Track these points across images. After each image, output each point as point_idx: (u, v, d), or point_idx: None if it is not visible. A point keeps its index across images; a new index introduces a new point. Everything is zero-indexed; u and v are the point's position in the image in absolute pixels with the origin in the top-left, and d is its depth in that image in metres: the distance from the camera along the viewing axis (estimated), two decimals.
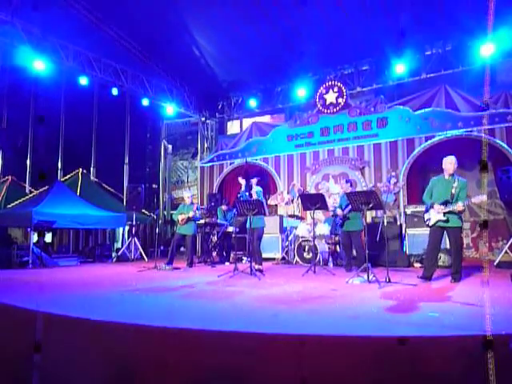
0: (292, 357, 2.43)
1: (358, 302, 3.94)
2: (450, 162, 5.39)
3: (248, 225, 6.65)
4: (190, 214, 8.00)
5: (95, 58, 11.16)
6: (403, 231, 8.44)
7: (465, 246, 9.70)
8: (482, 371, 2.18)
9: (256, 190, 7.08)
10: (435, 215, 5.29)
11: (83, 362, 2.86)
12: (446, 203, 5.22)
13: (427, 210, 5.51)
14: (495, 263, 7.58)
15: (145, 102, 12.51)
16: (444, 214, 5.22)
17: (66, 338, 3.05)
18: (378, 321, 3.04)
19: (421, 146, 9.73)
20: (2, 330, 3.46)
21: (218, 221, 9.21)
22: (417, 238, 8.10)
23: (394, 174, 9.95)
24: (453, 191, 5.23)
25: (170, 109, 13.18)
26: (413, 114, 9.91)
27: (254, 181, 7.29)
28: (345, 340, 2.54)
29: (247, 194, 7.26)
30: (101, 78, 11.47)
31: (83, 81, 10.97)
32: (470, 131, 9.19)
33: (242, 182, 7.40)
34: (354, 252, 7.09)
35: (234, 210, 7.92)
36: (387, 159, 10.19)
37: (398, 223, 8.83)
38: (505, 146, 8.82)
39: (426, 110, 9.78)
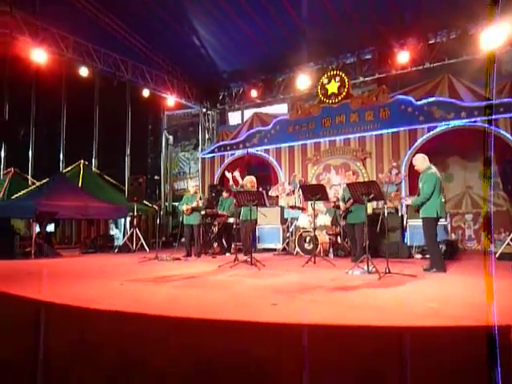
0: (291, 346, 2.42)
1: (357, 292, 3.93)
2: (414, 164, 5.84)
3: (242, 216, 6.70)
4: (194, 204, 8.11)
5: (95, 49, 11.10)
6: (404, 222, 8.41)
7: (467, 237, 9.68)
8: (482, 362, 2.17)
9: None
10: None
11: (85, 352, 2.88)
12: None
13: None
14: (497, 255, 7.55)
15: (145, 92, 12.45)
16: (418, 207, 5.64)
17: (68, 327, 3.06)
18: (376, 311, 3.02)
19: (423, 136, 9.65)
20: (4, 319, 3.48)
21: (219, 211, 9.20)
22: (418, 229, 8.03)
23: (395, 164, 9.88)
24: (420, 185, 5.60)
25: (170, 100, 13.12)
26: (415, 103, 9.80)
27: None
28: (343, 330, 2.53)
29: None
30: (101, 69, 11.42)
31: (83, 72, 10.92)
32: (474, 121, 9.09)
33: (229, 175, 7.44)
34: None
35: (233, 200, 7.92)
36: (389, 150, 10.12)
37: (400, 214, 8.79)
38: (509, 136, 8.73)
39: (429, 99, 9.68)
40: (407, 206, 7.60)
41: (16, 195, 11.18)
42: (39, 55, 9.71)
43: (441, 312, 2.96)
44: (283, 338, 2.48)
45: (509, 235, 8.03)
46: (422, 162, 5.71)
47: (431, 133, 9.56)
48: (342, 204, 7.16)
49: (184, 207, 8.27)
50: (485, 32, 9.32)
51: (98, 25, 10.36)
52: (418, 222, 8.01)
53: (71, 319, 3.12)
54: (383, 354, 2.34)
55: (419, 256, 7.75)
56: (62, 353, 2.97)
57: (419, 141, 9.69)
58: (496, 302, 3.28)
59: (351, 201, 6.79)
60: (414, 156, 9.67)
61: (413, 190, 9.45)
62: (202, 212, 8.63)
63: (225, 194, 9.62)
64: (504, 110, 8.85)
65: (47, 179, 11.31)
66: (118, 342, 2.79)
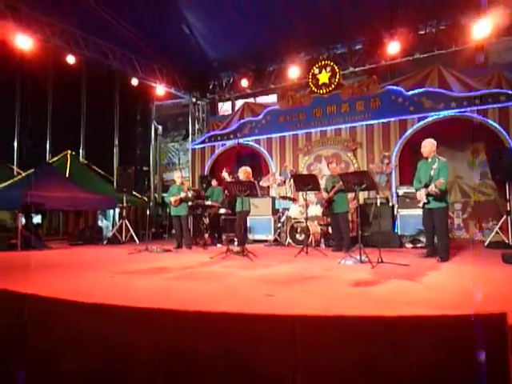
0: (284, 337, 2.40)
1: (350, 282, 3.93)
2: (423, 146, 5.72)
3: (237, 207, 6.67)
4: (182, 195, 7.97)
5: (82, 37, 10.82)
6: (395, 212, 8.46)
7: (455, 226, 9.77)
8: (473, 350, 2.17)
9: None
10: (421, 199, 5.60)
11: (72, 346, 2.81)
12: (426, 186, 5.44)
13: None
14: (485, 244, 7.65)
15: (134, 82, 12.22)
16: (426, 196, 5.47)
17: (55, 320, 3.00)
18: (369, 300, 3.02)
19: (413, 126, 9.67)
20: None
21: (209, 202, 9.11)
22: (409, 218, 8.12)
23: (386, 154, 9.91)
24: (431, 173, 5.42)
25: (159, 89, 12.91)
26: (406, 94, 9.80)
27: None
28: (337, 320, 2.51)
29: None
30: (89, 57, 11.17)
31: (70, 60, 10.66)
32: (463, 111, 9.14)
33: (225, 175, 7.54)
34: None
35: (225, 190, 7.89)
36: (380, 140, 10.13)
37: (390, 204, 8.83)
38: (497, 126, 8.78)
39: (419, 90, 9.68)
40: (398, 195, 7.51)
41: (0, 186, 10.93)
42: (24, 41, 9.43)
43: (433, 300, 2.97)
44: (277, 329, 2.46)
45: (497, 224, 8.14)
46: (431, 147, 5.68)
47: (421, 123, 9.58)
48: (325, 194, 7.16)
49: (172, 199, 8.08)
50: (474, 23, 9.32)
51: (84, 12, 10.06)
52: (409, 212, 8.12)
53: (59, 313, 3.05)
54: (377, 344, 2.33)
55: (410, 245, 7.81)
56: (48, 348, 2.91)
57: (409, 131, 9.71)
58: (488, 290, 3.31)
59: (335, 189, 6.85)
60: (403, 146, 9.79)
61: (403, 180, 9.51)
62: (190, 203, 8.50)
63: (214, 183, 9.52)
64: (492, 100, 8.90)
65: (33, 169, 11.08)
66: (108, 336, 2.74)
